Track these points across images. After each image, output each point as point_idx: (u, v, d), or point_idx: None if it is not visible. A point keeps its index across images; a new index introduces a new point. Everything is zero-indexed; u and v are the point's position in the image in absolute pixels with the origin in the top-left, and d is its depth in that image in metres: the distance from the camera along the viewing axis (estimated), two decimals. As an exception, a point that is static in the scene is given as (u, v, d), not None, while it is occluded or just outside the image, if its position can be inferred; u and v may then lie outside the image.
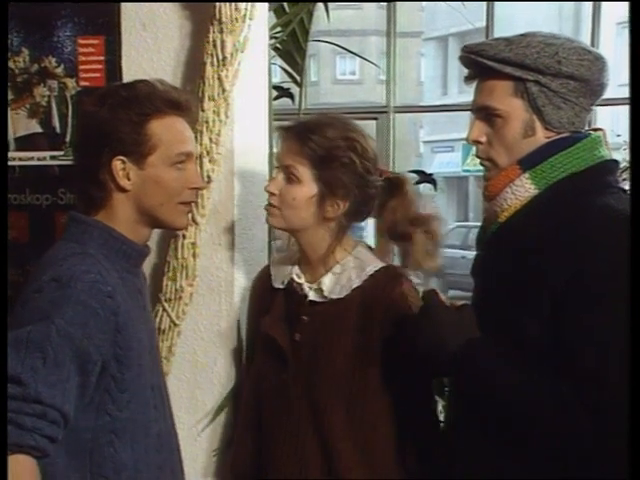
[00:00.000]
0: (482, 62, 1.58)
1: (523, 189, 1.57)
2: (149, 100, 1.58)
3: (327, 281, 1.80)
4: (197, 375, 2.13)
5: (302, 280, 1.83)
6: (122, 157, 1.57)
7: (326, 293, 1.79)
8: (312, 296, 1.81)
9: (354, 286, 1.78)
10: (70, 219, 1.63)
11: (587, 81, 1.54)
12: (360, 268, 1.79)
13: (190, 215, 2.02)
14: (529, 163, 1.57)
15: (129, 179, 1.58)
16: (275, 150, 2.19)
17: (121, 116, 1.56)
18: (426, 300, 1.60)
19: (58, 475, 1.48)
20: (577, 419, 1.43)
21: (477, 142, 1.63)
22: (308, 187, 1.75)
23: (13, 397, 1.34)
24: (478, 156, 1.65)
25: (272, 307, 1.86)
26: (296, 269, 1.84)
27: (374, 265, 1.80)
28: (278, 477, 1.82)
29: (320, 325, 1.79)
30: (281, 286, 1.86)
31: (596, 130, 1.61)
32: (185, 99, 1.65)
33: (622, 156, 1.68)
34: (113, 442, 1.53)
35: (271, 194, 1.79)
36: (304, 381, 1.79)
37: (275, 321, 1.85)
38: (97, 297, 1.47)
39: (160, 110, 1.59)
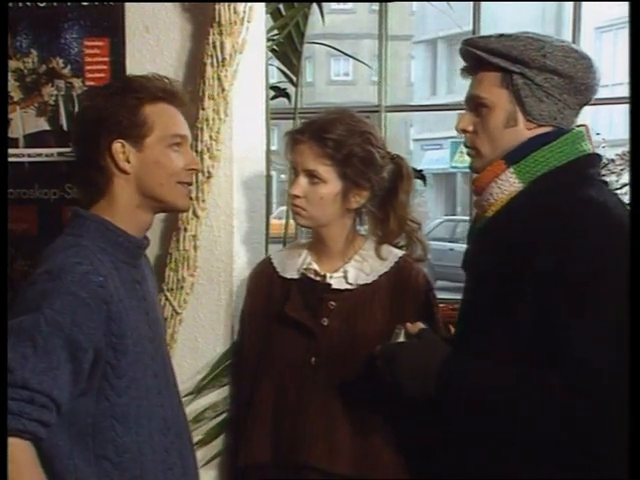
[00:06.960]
0: (473, 52, 1.58)
1: (508, 183, 1.56)
2: (142, 87, 1.59)
3: (351, 269, 1.83)
4: (198, 361, 2.12)
5: (324, 270, 1.84)
6: (121, 140, 1.56)
7: (351, 280, 1.82)
8: (337, 284, 1.82)
9: (382, 272, 1.82)
10: (72, 214, 1.62)
11: (571, 78, 1.53)
12: (381, 256, 1.84)
13: (191, 209, 2.01)
14: (513, 158, 1.56)
15: (129, 162, 1.58)
16: (273, 148, 2.19)
17: (117, 101, 1.56)
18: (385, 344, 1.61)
19: (62, 457, 1.48)
20: (566, 407, 1.38)
21: (464, 131, 1.62)
22: (333, 185, 1.79)
23: None
24: (465, 145, 1.65)
25: (289, 295, 1.86)
26: (311, 260, 1.86)
27: (395, 253, 1.86)
28: (307, 459, 1.77)
29: (350, 310, 1.81)
30: (295, 276, 1.87)
31: (579, 126, 1.60)
32: (176, 88, 1.65)
33: (601, 153, 1.66)
34: (114, 426, 1.52)
35: (296, 197, 1.81)
36: (334, 362, 1.79)
37: (297, 307, 1.85)
38: (87, 287, 1.45)
39: (153, 96, 1.59)
